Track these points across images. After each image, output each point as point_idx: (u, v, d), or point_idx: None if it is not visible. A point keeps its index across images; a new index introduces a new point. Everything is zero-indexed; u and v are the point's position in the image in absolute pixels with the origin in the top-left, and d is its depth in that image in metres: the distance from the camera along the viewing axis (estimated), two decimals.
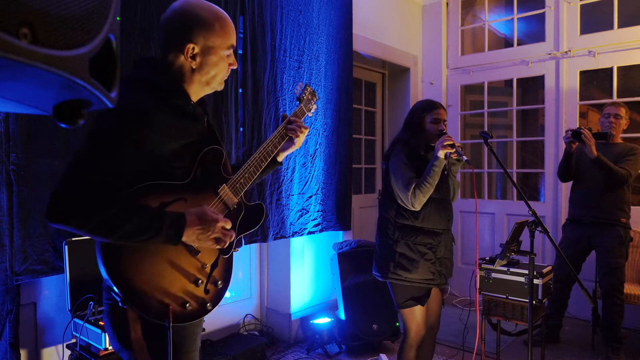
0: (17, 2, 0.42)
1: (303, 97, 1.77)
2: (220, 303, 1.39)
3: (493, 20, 5.04)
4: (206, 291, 1.33)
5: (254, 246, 3.74)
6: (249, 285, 3.77)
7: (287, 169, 3.39)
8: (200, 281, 1.31)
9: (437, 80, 4.95)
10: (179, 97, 1.30)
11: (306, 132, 1.65)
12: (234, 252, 1.46)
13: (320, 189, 3.67)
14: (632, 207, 3.36)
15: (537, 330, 3.20)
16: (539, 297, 2.70)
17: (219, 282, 1.38)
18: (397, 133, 2.48)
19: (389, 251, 2.29)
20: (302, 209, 3.54)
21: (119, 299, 1.20)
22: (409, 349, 2.34)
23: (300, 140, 1.63)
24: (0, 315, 2.09)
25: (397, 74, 4.98)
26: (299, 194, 3.51)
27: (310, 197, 3.59)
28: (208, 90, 1.39)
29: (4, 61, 0.42)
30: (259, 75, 3.16)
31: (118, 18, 0.58)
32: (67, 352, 2.30)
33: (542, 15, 4.37)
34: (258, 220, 1.54)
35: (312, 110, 1.79)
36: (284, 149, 1.64)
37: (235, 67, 1.39)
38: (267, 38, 3.20)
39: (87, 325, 2.13)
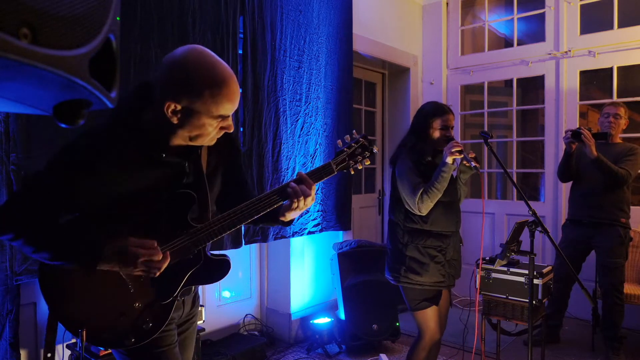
0: (17, 2, 0.42)
1: (346, 148, 1.47)
2: (146, 341, 1.34)
3: (493, 20, 5.04)
4: (132, 326, 1.31)
5: (254, 246, 3.74)
6: (249, 285, 3.77)
7: (287, 169, 3.39)
8: (124, 317, 1.31)
9: (437, 80, 4.95)
10: (153, 145, 1.25)
11: (309, 202, 1.38)
12: (177, 299, 1.38)
13: (320, 189, 3.67)
14: (632, 207, 3.36)
15: (537, 330, 3.20)
16: (539, 297, 2.70)
17: (148, 323, 1.32)
18: (399, 136, 2.47)
19: (400, 255, 2.29)
20: None
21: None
22: (421, 351, 2.33)
23: (299, 206, 1.37)
24: (0, 315, 2.09)
25: (397, 74, 4.98)
26: None
27: None
28: (192, 144, 1.28)
29: (4, 61, 0.42)
30: (259, 75, 3.16)
31: (118, 18, 0.58)
32: (67, 352, 2.30)
33: (542, 15, 4.37)
34: (220, 275, 1.40)
35: (356, 167, 1.51)
36: (287, 210, 1.41)
37: (230, 131, 1.27)
38: (267, 38, 3.20)
39: None
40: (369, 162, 1.52)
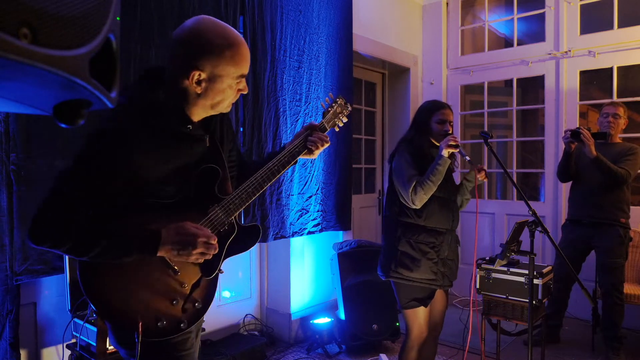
0: (17, 2, 0.42)
1: (329, 109, 1.66)
2: (196, 323, 1.36)
3: (493, 20, 5.04)
4: (183, 310, 1.31)
5: (254, 246, 3.73)
6: (249, 285, 3.77)
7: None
8: (175, 301, 1.29)
9: (437, 80, 4.95)
10: (177, 120, 1.27)
11: (326, 145, 1.55)
12: (219, 274, 1.42)
13: (320, 189, 3.67)
14: (631, 207, 3.36)
15: (537, 330, 3.20)
16: (539, 297, 2.70)
17: (197, 302, 1.34)
18: (398, 136, 2.50)
19: (392, 249, 2.29)
20: (302, 209, 3.54)
21: (94, 313, 1.24)
22: (409, 350, 2.34)
23: (317, 153, 1.55)
24: (0, 315, 2.09)
25: (397, 74, 4.98)
26: (299, 194, 3.51)
27: (310, 197, 3.59)
28: (213, 113, 1.34)
29: (4, 61, 0.42)
30: (259, 75, 3.16)
31: (118, 18, 0.58)
32: (67, 352, 2.30)
33: (542, 15, 4.37)
34: (252, 242, 1.49)
35: (341, 123, 1.69)
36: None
37: (245, 93, 1.33)
38: (267, 38, 3.20)
39: (87, 325, 2.12)
40: (346, 120, 1.71)
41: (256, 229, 1.49)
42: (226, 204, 1.38)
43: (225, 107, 1.32)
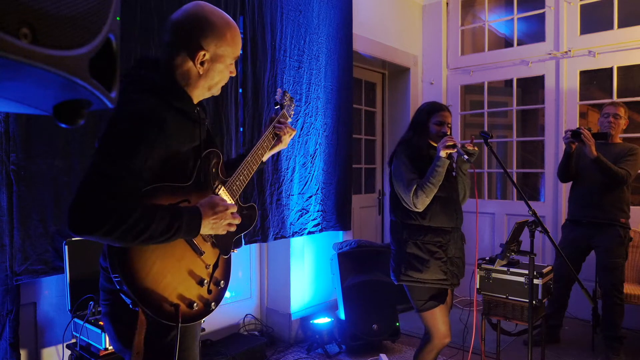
0: (17, 2, 0.42)
1: (284, 102, 1.80)
2: (220, 303, 1.41)
3: (493, 20, 5.04)
4: (209, 291, 1.34)
5: (254, 246, 3.74)
6: (249, 285, 3.77)
7: (287, 169, 3.39)
8: (205, 281, 1.32)
9: (437, 80, 4.95)
10: (184, 101, 1.30)
11: (293, 133, 1.70)
12: (232, 253, 1.48)
13: (320, 189, 3.67)
14: (631, 207, 3.36)
15: (537, 330, 3.20)
16: (539, 297, 2.70)
17: (221, 282, 1.40)
18: (398, 136, 2.49)
19: (400, 253, 2.29)
20: (302, 209, 3.54)
21: (129, 302, 1.20)
22: (428, 352, 2.31)
23: (286, 140, 1.68)
24: (0, 315, 2.09)
25: (397, 74, 4.98)
26: (299, 194, 3.51)
27: (310, 197, 3.59)
28: (208, 95, 1.40)
29: (4, 61, 0.42)
30: (259, 75, 3.16)
31: (118, 18, 0.58)
32: (67, 352, 2.30)
33: (542, 15, 4.37)
34: (252, 222, 1.57)
35: (292, 115, 1.85)
36: (270, 149, 1.68)
37: (234, 75, 1.40)
38: (267, 38, 3.20)
39: (87, 325, 2.12)
40: (292, 113, 1.86)
41: (253, 207, 1.59)
42: (230, 185, 1.46)
43: (218, 88, 1.39)
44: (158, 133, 1.19)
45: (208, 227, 1.26)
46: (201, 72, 1.29)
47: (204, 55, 1.27)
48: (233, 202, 1.45)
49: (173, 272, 1.25)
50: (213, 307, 1.35)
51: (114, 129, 1.17)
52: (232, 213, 1.31)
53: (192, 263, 1.30)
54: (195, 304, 1.28)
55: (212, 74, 1.32)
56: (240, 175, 1.49)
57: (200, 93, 1.36)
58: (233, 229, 1.35)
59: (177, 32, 1.28)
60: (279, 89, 1.87)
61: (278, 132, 1.66)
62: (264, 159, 1.68)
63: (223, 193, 1.42)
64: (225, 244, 1.43)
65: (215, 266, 1.38)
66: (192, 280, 1.29)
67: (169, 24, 1.31)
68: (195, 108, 1.34)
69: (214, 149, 1.41)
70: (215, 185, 1.41)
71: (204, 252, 1.33)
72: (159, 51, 2.57)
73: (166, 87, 1.27)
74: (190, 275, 1.29)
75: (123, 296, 1.22)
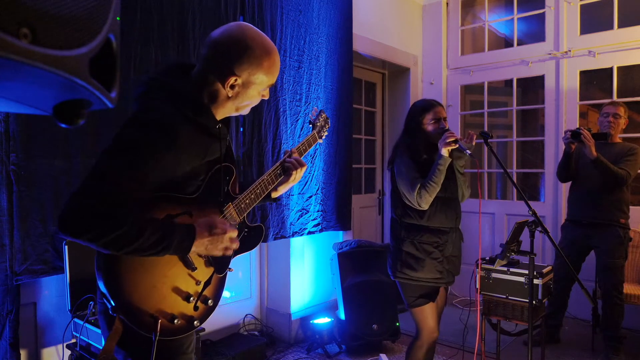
0: (17, 2, 0.42)
1: (317, 123, 1.74)
2: (205, 321, 1.37)
3: (493, 20, 5.04)
4: (195, 308, 1.30)
5: None
6: (249, 285, 3.77)
7: None
8: (191, 298, 1.29)
9: (437, 80, 4.95)
10: (204, 116, 1.27)
11: (303, 169, 1.57)
12: (227, 272, 1.43)
13: (320, 189, 3.67)
14: (631, 207, 3.36)
15: (537, 330, 3.20)
16: (539, 297, 2.69)
17: (210, 300, 1.35)
18: (398, 136, 2.48)
19: (397, 250, 2.31)
20: (302, 209, 3.54)
21: (109, 307, 1.19)
22: (418, 348, 2.33)
23: (296, 177, 1.55)
24: (0, 315, 2.09)
25: (397, 74, 4.98)
26: (299, 194, 3.51)
27: (310, 197, 3.59)
28: (235, 114, 1.39)
29: (4, 61, 0.42)
30: None
31: (118, 18, 0.58)
32: (67, 352, 2.30)
33: (542, 15, 4.37)
34: (256, 242, 1.52)
35: (324, 137, 1.78)
36: (280, 184, 1.58)
37: (267, 99, 1.38)
38: None
39: (87, 325, 2.13)
40: (326, 134, 1.79)
41: (260, 229, 1.54)
42: (238, 202, 1.42)
43: (247, 110, 1.37)
44: (169, 144, 1.16)
45: (202, 248, 1.23)
46: (230, 95, 1.27)
47: (235, 80, 1.25)
48: (238, 221, 1.42)
49: (159, 284, 1.23)
50: (196, 325, 1.31)
51: (123, 133, 1.15)
52: (230, 238, 1.26)
53: (181, 277, 1.27)
54: (176, 319, 1.25)
55: (242, 97, 1.30)
56: (252, 194, 1.45)
57: (226, 112, 1.34)
58: (229, 253, 1.29)
59: (214, 49, 1.26)
60: (314, 108, 1.83)
61: (287, 166, 1.55)
62: (277, 194, 1.62)
63: (230, 210, 1.39)
64: (221, 262, 1.39)
65: (207, 283, 1.34)
66: (177, 295, 1.26)
67: (209, 39, 1.29)
68: (218, 124, 1.31)
69: (229, 164, 1.39)
70: (222, 201, 1.38)
71: (197, 268, 1.30)
72: (158, 51, 2.57)
73: (188, 99, 1.24)
74: (176, 290, 1.26)
75: (105, 300, 1.21)
